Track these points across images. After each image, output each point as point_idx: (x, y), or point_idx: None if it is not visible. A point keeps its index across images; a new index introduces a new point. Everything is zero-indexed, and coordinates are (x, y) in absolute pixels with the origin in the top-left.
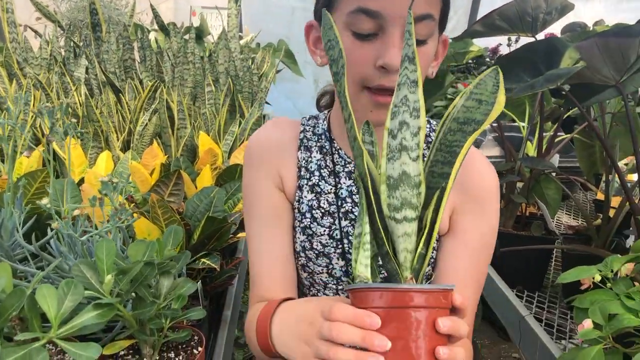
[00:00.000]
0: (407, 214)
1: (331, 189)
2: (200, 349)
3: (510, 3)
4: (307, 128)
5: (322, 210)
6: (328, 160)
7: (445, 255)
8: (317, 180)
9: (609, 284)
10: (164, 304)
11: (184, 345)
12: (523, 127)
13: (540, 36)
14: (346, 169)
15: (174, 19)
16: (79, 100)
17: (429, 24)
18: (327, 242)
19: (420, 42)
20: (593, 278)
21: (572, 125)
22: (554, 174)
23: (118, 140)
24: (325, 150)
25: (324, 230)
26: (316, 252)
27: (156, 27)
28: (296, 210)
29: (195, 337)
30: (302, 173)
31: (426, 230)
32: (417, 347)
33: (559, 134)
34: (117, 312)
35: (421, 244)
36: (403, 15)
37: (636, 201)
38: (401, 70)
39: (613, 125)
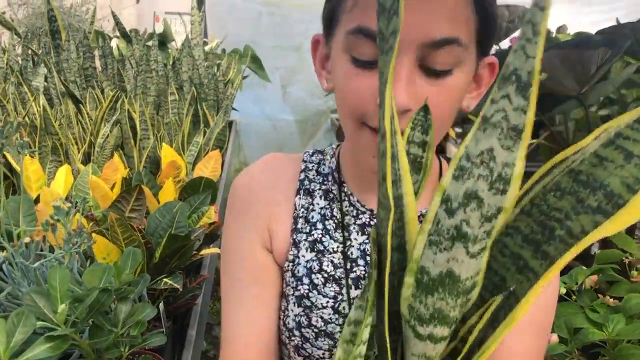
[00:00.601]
0: (435, 332)
1: (338, 247)
2: None
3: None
4: (310, 166)
5: (325, 275)
6: (335, 209)
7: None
8: (320, 235)
9: (574, 297)
10: (122, 331)
11: None
12: None
13: (505, 43)
14: (359, 221)
15: (137, 25)
16: (37, 111)
17: (453, 50)
18: (330, 318)
19: (441, 73)
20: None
21: (538, 130)
22: None
23: (78, 152)
24: (332, 195)
25: (327, 302)
26: (316, 330)
27: (118, 33)
28: (289, 274)
29: None
30: (300, 225)
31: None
32: None
33: None
34: (73, 341)
35: None
36: (415, 40)
37: None
38: (498, 96)
39: (576, 132)
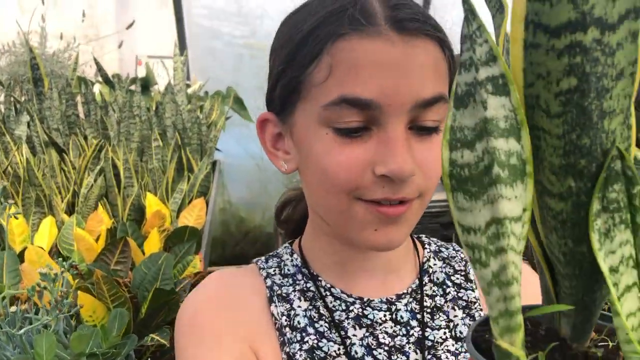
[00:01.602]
0: None
1: (339, 348)
2: None
3: None
4: (272, 271)
5: None
6: (321, 308)
7: None
8: (315, 341)
9: None
10: None
11: None
12: None
13: None
14: (351, 314)
15: (119, 69)
16: (20, 160)
17: (441, 107)
18: None
19: (431, 131)
20: None
21: None
22: None
23: (62, 202)
24: (311, 294)
25: None
26: None
27: (100, 79)
28: None
29: None
30: (289, 335)
31: None
32: None
33: None
34: None
35: None
36: (408, 103)
37: None
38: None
39: None
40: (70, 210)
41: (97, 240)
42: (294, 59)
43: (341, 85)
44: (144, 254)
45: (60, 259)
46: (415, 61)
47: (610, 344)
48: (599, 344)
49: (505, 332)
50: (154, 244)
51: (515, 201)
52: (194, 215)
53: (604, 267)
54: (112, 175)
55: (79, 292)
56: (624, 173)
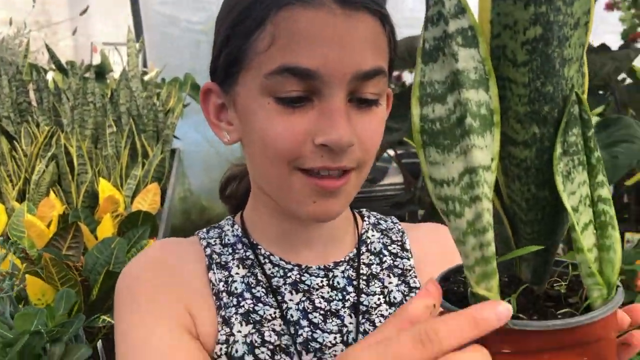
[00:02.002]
0: None
1: (275, 312)
2: None
3: (401, 40)
4: (212, 241)
5: (271, 347)
6: (259, 274)
7: None
8: (252, 305)
9: None
10: None
11: None
12: None
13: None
14: (289, 280)
15: (75, 57)
16: None
17: (380, 81)
18: None
19: (371, 103)
20: None
21: None
22: None
23: (13, 190)
24: (249, 262)
25: None
26: None
27: (54, 66)
28: (224, 359)
29: None
30: (225, 300)
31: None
32: None
33: None
34: None
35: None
36: (348, 74)
37: None
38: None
39: None
40: (21, 199)
41: (48, 226)
42: (237, 28)
43: (283, 54)
44: (97, 239)
45: (5, 242)
46: (356, 34)
47: (563, 284)
48: (554, 285)
49: (481, 280)
50: (107, 229)
51: (486, 150)
52: (148, 200)
53: (568, 206)
54: (65, 163)
55: (27, 275)
56: (580, 117)
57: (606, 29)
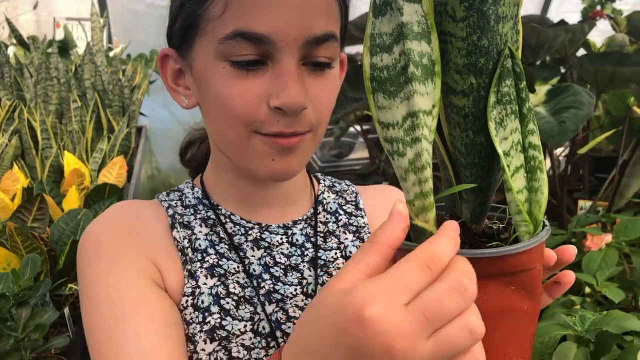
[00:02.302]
0: None
1: (239, 267)
2: None
3: (362, 15)
4: (173, 203)
5: (236, 298)
6: (221, 233)
7: None
8: (216, 260)
9: None
10: (23, 335)
11: None
12: None
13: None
14: (250, 237)
15: (37, 32)
16: None
17: (332, 45)
18: (253, 343)
19: (324, 66)
20: None
21: None
22: None
23: None
24: (211, 222)
25: (246, 326)
26: None
27: (15, 41)
28: (190, 311)
29: None
30: (191, 255)
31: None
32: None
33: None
34: None
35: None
36: (299, 39)
37: None
38: None
39: None
40: None
41: (13, 199)
42: None
43: (237, 19)
44: (63, 211)
45: None
46: (308, 0)
47: (500, 225)
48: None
49: (420, 212)
50: (73, 201)
51: (427, 97)
52: (114, 174)
53: (500, 151)
54: (29, 137)
55: None
56: (514, 70)
57: (570, 8)
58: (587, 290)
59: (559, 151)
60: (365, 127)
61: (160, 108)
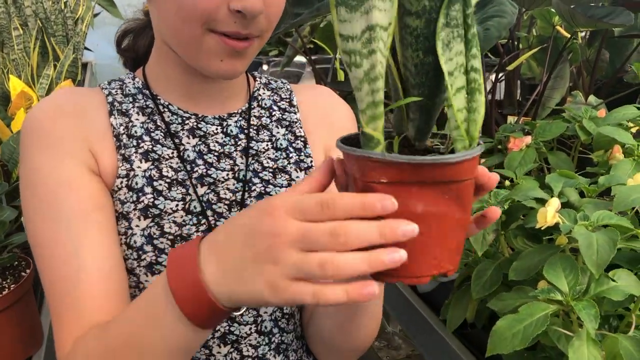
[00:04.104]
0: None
1: (173, 152)
2: (28, 271)
3: None
4: (113, 92)
5: (168, 180)
6: (158, 121)
7: None
8: (151, 146)
9: None
10: None
11: (11, 270)
12: (336, 58)
13: None
14: (186, 126)
15: None
16: None
17: None
18: (184, 220)
19: None
20: None
21: None
22: None
23: None
24: (149, 110)
25: (177, 205)
26: (171, 237)
27: None
28: (124, 191)
29: (23, 262)
30: (125, 141)
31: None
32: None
33: None
34: None
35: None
36: None
37: None
38: None
39: None
40: None
41: None
42: None
43: None
44: (12, 132)
45: None
46: None
47: (439, 143)
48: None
49: (370, 121)
50: (21, 123)
51: (384, 13)
52: None
53: (445, 69)
54: None
55: None
56: None
57: None
58: (507, 183)
59: (493, 78)
60: (313, 57)
61: (105, 43)
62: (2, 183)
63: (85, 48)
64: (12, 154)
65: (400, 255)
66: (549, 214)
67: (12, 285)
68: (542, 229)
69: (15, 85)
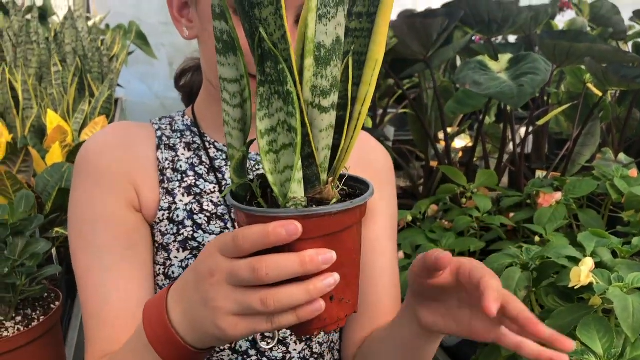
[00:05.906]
0: (334, 100)
1: (214, 187)
2: (57, 303)
3: None
4: (163, 127)
5: (208, 214)
6: (203, 156)
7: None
8: (194, 180)
9: (419, 224)
10: (19, 262)
11: (41, 302)
12: None
13: None
14: (229, 162)
15: None
16: None
17: None
18: None
19: None
20: (406, 219)
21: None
22: (389, 144)
23: None
24: (195, 146)
25: None
26: None
27: None
28: (165, 223)
29: (52, 294)
30: (170, 175)
31: (357, 116)
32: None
33: (392, 110)
34: None
35: (344, 137)
36: None
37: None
38: None
39: (434, 99)
40: None
41: None
42: None
43: None
44: (46, 165)
45: None
46: None
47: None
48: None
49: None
50: (56, 156)
51: (229, 67)
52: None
53: (257, 130)
54: (10, 97)
55: None
56: (270, 53)
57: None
58: (537, 239)
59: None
60: None
61: (136, 81)
62: (37, 215)
63: (118, 85)
64: (46, 186)
65: (335, 278)
66: (583, 273)
67: (42, 317)
68: (575, 288)
69: (52, 120)
